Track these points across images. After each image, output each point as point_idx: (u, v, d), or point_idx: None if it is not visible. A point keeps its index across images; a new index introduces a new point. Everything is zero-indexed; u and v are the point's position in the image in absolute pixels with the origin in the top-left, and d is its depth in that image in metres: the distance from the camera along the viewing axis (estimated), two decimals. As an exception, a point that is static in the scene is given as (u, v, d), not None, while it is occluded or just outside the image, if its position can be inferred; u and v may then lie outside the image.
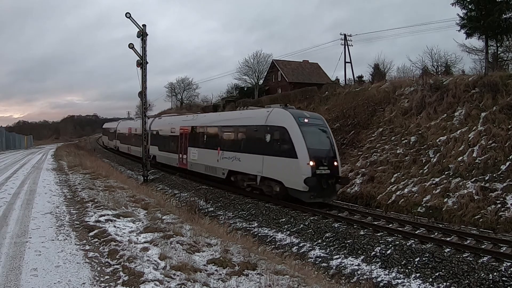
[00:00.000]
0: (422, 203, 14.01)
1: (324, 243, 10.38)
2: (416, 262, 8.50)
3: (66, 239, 6.44)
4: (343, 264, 9.15)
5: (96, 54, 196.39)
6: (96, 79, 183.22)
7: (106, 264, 5.27)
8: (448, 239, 9.94)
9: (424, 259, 8.54)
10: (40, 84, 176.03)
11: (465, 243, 9.57)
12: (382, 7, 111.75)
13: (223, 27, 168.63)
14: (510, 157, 13.83)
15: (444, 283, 7.67)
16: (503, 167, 13.61)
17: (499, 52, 25.22)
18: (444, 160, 15.57)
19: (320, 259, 9.59)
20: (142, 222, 7.65)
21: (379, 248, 9.41)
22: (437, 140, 16.84)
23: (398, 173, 16.53)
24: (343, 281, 8.09)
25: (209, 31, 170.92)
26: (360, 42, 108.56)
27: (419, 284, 7.83)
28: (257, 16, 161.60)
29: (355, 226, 11.17)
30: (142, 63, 20.42)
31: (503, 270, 7.61)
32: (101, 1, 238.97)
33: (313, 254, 9.90)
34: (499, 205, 12.11)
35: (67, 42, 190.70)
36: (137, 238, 6.46)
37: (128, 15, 19.81)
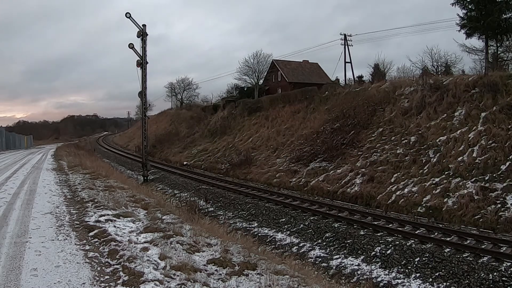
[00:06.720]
0: (422, 203, 13.99)
1: (324, 243, 10.39)
2: (416, 262, 8.51)
3: (66, 239, 6.43)
4: (343, 264, 9.16)
5: (109, 56, 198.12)
6: (105, 80, 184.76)
7: (106, 264, 5.27)
8: (448, 239, 9.94)
9: (424, 259, 8.55)
10: (48, 85, 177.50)
11: (465, 243, 9.56)
12: (393, 13, 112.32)
13: (240, 30, 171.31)
14: (510, 157, 13.84)
15: (444, 283, 7.68)
16: (503, 167, 13.63)
17: (499, 52, 25.17)
18: (444, 160, 15.58)
19: (320, 259, 9.59)
20: (142, 222, 7.64)
21: (379, 248, 9.41)
22: (437, 140, 16.85)
23: (398, 173, 16.53)
24: (343, 281, 8.09)
25: (225, 33, 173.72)
26: (368, 43, 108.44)
27: (419, 284, 7.83)
28: (273, 20, 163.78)
29: (355, 226, 11.17)
30: (142, 63, 20.44)
31: (503, 270, 7.61)
32: (121, 3, 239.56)
33: (313, 254, 9.91)
34: (499, 205, 12.11)
35: (83, 44, 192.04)
36: (137, 238, 6.45)
37: (128, 15, 19.83)
